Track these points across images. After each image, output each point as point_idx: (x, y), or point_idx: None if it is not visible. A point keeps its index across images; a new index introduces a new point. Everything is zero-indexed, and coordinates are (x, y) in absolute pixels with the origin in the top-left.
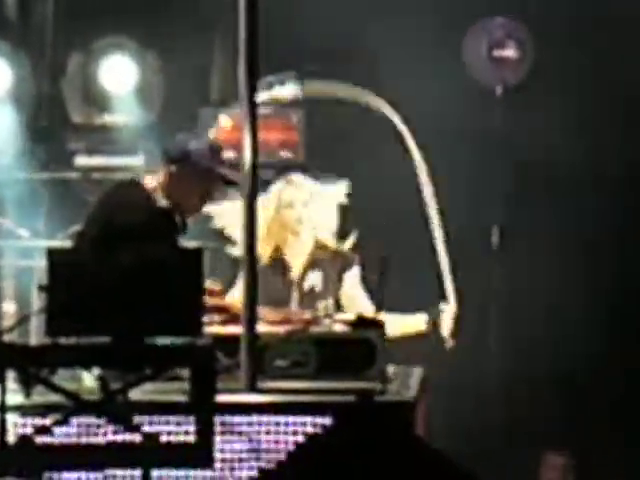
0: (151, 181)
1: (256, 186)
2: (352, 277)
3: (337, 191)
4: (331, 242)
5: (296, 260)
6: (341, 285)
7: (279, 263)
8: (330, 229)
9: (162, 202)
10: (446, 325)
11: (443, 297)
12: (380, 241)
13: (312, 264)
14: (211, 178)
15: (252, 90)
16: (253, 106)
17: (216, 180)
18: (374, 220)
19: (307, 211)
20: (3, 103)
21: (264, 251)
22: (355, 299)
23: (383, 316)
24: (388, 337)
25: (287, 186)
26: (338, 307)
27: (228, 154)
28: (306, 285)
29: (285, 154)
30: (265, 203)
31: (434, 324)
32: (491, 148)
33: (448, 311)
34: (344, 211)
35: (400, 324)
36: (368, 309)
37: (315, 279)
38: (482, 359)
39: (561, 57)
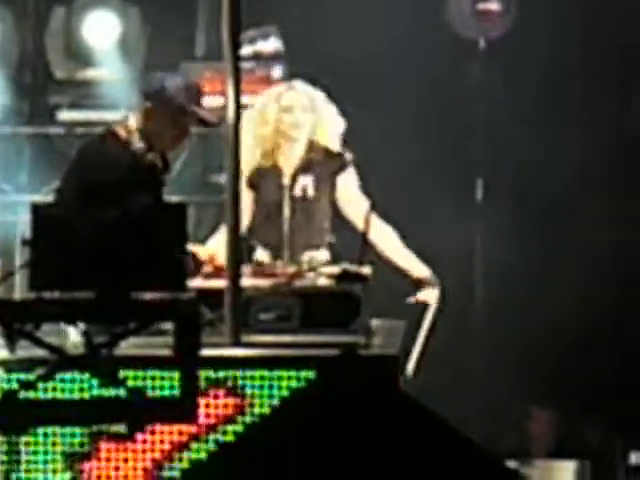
0: (128, 127)
1: (239, 140)
2: (348, 178)
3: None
4: (326, 144)
5: (288, 165)
6: (335, 188)
7: (271, 169)
8: (329, 133)
9: (139, 144)
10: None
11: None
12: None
13: (304, 167)
14: (187, 115)
15: (235, 44)
16: (236, 60)
17: (192, 117)
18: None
19: (305, 117)
20: None
21: (251, 157)
22: (351, 201)
23: (398, 242)
24: (392, 262)
25: (287, 90)
26: (335, 210)
27: (216, 100)
28: (298, 189)
29: None
30: (260, 106)
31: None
32: (473, 101)
33: (433, 294)
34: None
35: (409, 259)
36: (363, 211)
37: (307, 183)
38: (468, 313)
39: (545, 9)
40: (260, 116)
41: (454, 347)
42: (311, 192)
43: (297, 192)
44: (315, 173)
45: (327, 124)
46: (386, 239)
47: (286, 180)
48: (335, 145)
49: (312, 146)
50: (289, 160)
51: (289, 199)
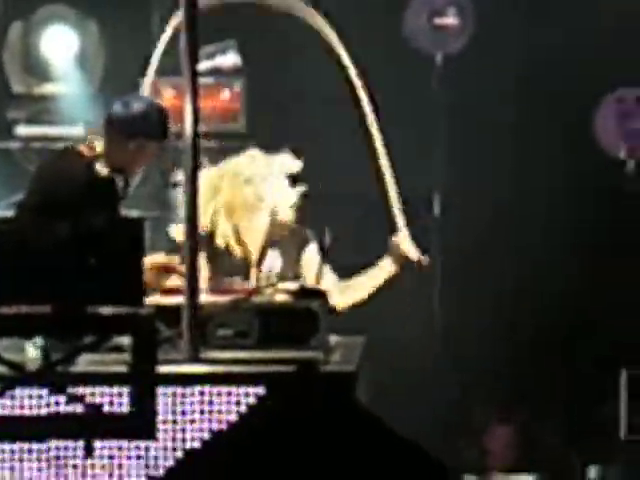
0: (93, 147)
1: (198, 155)
2: (310, 255)
3: (286, 161)
4: (288, 218)
5: (254, 242)
6: (300, 264)
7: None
8: (288, 204)
9: (102, 169)
10: (411, 249)
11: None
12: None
13: (270, 244)
14: (158, 142)
15: (193, 59)
16: (194, 75)
17: (158, 141)
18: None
19: (265, 187)
20: None
21: (224, 232)
22: (318, 274)
23: (352, 281)
24: (367, 296)
25: (246, 162)
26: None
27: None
28: (265, 267)
29: (226, 123)
30: (225, 177)
31: (403, 257)
32: (431, 116)
33: (403, 238)
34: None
35: (370, 281)
36: (333, 283)
37: (273, 260)
38: (427, 327)
39: (501, 24)
40: (221, 187)
41: (413, 363)
42: (278, 270)
43: (264, 269)
44: (282, 250)
45: (283, 197)
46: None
47: (254, 257)
48: (288, 217)
49: (275, 221)
50: (254, 235)
51: (256, 277)
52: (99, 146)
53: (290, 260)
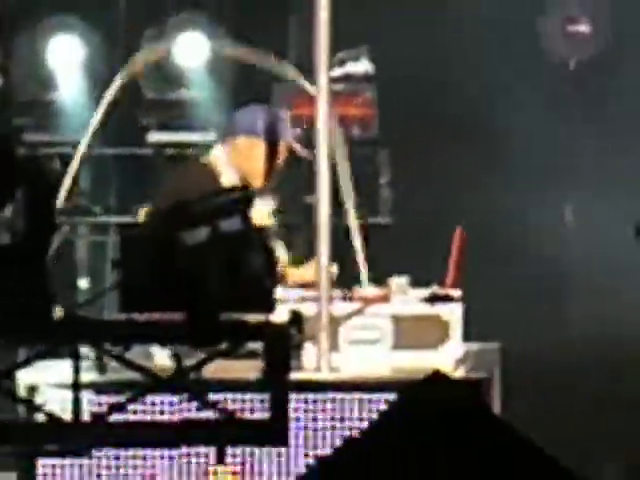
0: (220, 154)
1: (330, 163)
2: None
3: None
4: None
5: None
6: None
7: None
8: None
9: (230, 176)
10: None
11: None
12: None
13: None
14: (279, 150)
15: (327, 67)
16: (328, 83)
17: (284, 153)
18: None
19: None
20: (76, 78)
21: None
22: None
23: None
24: None
25: None
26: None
27: (304, 127)
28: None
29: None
30: None
31: None
32: (565, 119)
33: None
34: None
35: None
36: None
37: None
38: (562, 334)
39: (634, 32)
40: None
41: (547, 370)
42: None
43: None
44: None
45: None
46: None
47: None
48: None
49: None
50: None
51: None
52: (225, 155)
53: None
